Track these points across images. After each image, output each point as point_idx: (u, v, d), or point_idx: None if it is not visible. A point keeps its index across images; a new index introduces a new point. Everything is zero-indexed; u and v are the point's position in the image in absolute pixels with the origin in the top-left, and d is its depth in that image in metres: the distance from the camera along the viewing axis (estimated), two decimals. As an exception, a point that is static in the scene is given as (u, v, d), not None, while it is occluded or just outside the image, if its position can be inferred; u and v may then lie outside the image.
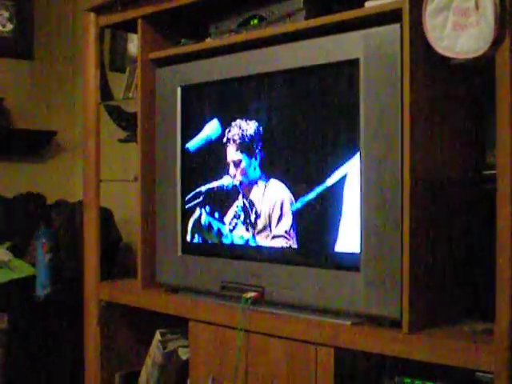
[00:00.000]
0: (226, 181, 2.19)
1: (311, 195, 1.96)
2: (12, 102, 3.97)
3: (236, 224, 2.17)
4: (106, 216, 3.10)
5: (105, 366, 2.64)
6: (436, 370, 1.72)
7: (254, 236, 2.12)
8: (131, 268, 2.62)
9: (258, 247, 2.12)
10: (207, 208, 2.26)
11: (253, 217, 2.12)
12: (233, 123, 2.16)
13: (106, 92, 2.71)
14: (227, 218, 2.20)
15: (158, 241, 2.40)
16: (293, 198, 2.01)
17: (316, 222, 1.97)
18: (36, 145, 4.07)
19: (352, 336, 1.82)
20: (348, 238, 1.89)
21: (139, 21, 2.43)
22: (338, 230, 1.91)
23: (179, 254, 2.33)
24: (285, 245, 2.04)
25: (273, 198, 2.06)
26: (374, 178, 1.80)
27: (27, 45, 4.09)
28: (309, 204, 1.97)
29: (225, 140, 2.18)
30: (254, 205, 2.11)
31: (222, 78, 2.20)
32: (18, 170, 4.00)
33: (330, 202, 1.93)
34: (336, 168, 1.90)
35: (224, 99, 2.23)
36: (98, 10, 2.59)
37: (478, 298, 1.85)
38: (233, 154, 2.16)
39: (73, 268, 3.16)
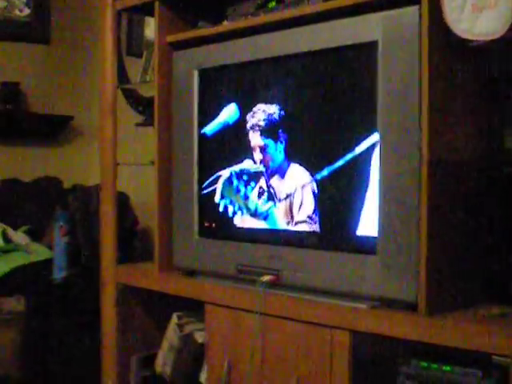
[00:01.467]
0: (246, 165, 2.18)
1: (332, 179, 1.96)
2: (29, 86, 3.98)
3: (257, 208, 2.17)
4: (122, 200, 3.11)
5: (121, 349, 2.65)
6: (453, 353, 1.72)
7: (274, 219, 2.12)
8: (148, 251, 2.62)
9: (275, 230, 2.12)
10: (227, 192, 2.26)
11: (276, 201, 2.11)
12: (253, 107, 2.15)
13: (122, 76, 2.72)
14: (248, 202, 2.20)
15: (175, 224, 2.41)
16: (314, 183, 2.00)
17: (335, 206, 1.97)
18: (53, 129, 4.09)
19: (368, 319, 1.82)
20: (365, 222, 1.88)
21: (156, 4, 2.42)
22: (355, 213, 1.90)
23: (196, 237, 2.33)
24: (308, 229, 2.03)
25: (295, 183, 2.06)
26: (392, 162, 1.79)
27: (44, 29, 4.10)
28: (329, 188, 1.97)
29: (246, 125, 2.17)
30: (276, 189, 2.11)
31: (240, 61, 2.19)
32: (34, 154, 4.02)
33: (349, 187, 1.92)
34: (354, 152, 1.89)
35: (241, 82, 2.22)
36: (115, -6, 2.59)
37: (496, 281, 1.85)
38: (257, 139, 2.15)
39: (90, 251, 3.18)
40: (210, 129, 2.29)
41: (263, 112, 2.12)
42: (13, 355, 3.04)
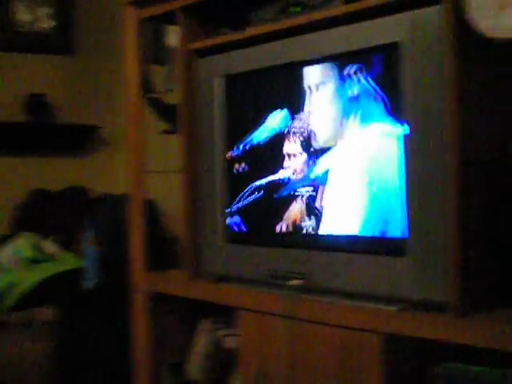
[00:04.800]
0: (282, 174, 2.17)
1: (364, 183, 1.95)
2: (54, 97, 4.02)
3: (295, 216, 2.16)
4: (150, 207, 3.12)
5: (153, 357, 2.66)
6: (485, 354, 1.70)
7: (310, 225, 2.11)
8: (178, 258, 2.63)
9: (305, 234, 2.11)
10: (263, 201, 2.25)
11: (311, 207, 2.10)
12: (279, 112, 2.15)
13: (147, 85, 2.73)
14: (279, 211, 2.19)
15: (203, 230, 2.41)
16: (353, 185, 1.99)
17: (364, 209, 1.95)
18: (79, 139, 4.12)
19: (399, 322, 1.81)
20: (394, 223, 1.87)
21: (178, 12, 2.43)
22: (385, 215, 1.90)
23: (224, 243, 2.33)
24: (337, 233, 2.02)
25: (334, 187, 2.05)
26: (421, 163, 1.78)
27: (69, 40, 4.14)
28: (361, 191, 1.96)
29: (279, 131, 2.16)
30: (314, 194, 2.10)
31: (264, 67, 2.19)
32: (62, 164, 4.06)
33: (379, 190, 1.91)
34: (382, 155, 1.89)
35: (267, 88, 2.22)
36: (138, 3, 2.60)
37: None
38: (288, 145, 2.14)
39: (119, 259, 3.19)
40: (240, 135, 2.29)
41: (286, 117, 2.12)
42: (45, 365, 3.07)
